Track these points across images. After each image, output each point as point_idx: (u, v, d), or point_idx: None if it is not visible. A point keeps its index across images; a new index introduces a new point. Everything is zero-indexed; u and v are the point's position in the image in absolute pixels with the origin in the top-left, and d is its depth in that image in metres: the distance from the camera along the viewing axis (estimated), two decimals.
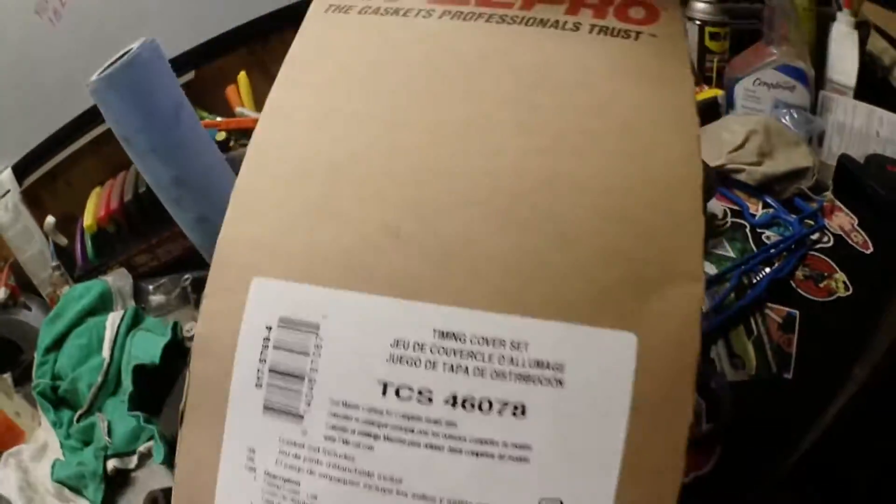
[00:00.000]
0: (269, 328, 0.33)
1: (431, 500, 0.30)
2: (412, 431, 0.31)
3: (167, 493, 0.55)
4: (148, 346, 0.77)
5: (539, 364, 0.31)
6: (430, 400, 0.31)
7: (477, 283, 0.32)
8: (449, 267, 0.33)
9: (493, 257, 0.32)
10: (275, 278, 0.34)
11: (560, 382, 0.30)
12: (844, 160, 0.85)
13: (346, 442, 0.31)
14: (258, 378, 0.33)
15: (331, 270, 0.34)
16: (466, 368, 0.31)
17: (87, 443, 0.77)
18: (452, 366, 0.31)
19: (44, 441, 0.80)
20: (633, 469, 0.30)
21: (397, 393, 0.31)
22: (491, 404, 0.30)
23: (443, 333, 0.31)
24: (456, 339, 0.31)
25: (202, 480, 0.34)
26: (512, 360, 0.31)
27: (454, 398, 0.31)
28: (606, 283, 0.32)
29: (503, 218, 0.33)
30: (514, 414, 0.30)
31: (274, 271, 0.34)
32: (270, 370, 0.33)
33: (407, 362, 0.31)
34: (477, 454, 0.30)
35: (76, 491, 0.72)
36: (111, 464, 0.71)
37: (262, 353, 0.33)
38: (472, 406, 0.30)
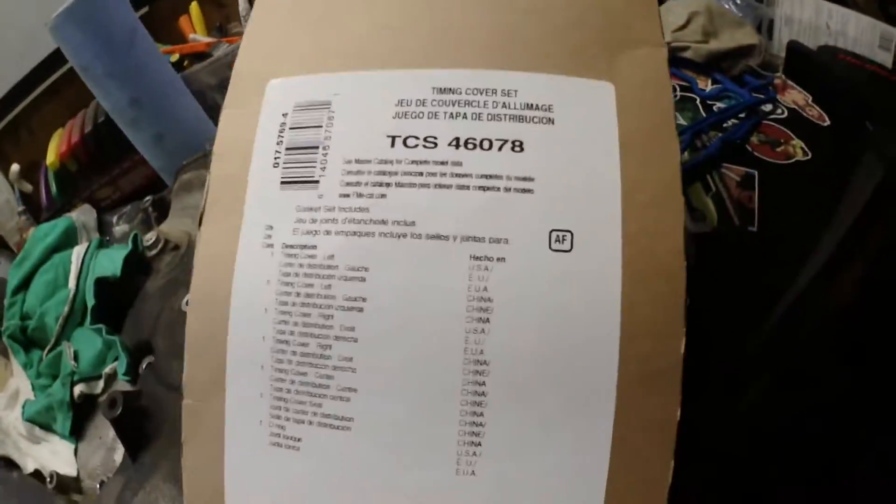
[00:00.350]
0: (286, 114, 0.36)
1: (445, 239, 0.33)
2: (421, 175, 0.33)
3: (126, 394, 0.56)
4: (109, 260, 0.76)
5: (529, 106, 0.34)
6: (436, 144, 0.34)
7: (467, 50, 0.36)
8: (441, 42, 0.36)
9: (478, 31, 0.36)
10: (288, 76, 0.37)
11: (551, 121, 0.34)
12: (794, 45, 0.88)
13: (359, 195, 0.34)
14: (275, 159, 0.36)
15: (338, 60, 0.37)
16: (465, 115, 0.34)
17: (55, 377, 0.75)
18: (452, 114, 0.34)
19: (15, 388, 0.79)
20: (634, 202, 0.33)
21: (405, 143, 0.34)
22: (491, 143, 0.34)
23: (441, 89, 0.35)
24: (453, 93, 0.34)
25: (221, 269, 0.36)
26: (504, 104, 0.34)
27: (457, 140, 0.34)
28: (579, 43, 0.36)
29: (482, 2, 0.37)
30: (514, 149, 0.33)
31: (287, 71, 0.37)
32: (287, 149, 0.36)
33: (411, 116, 0.34)
34: (484, 188, 0.33)
35: (47, 428, 0.72)
36: (77, 389, 0.70)
37: (279, 136, 0.36)
38: (475, 146, 0.34)
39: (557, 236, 0.32)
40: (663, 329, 0.32)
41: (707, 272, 0.64)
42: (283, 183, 0.35)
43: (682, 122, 0.78)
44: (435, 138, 0.34)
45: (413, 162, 0.34)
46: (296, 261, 0.35)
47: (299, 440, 0.35)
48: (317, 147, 0.35)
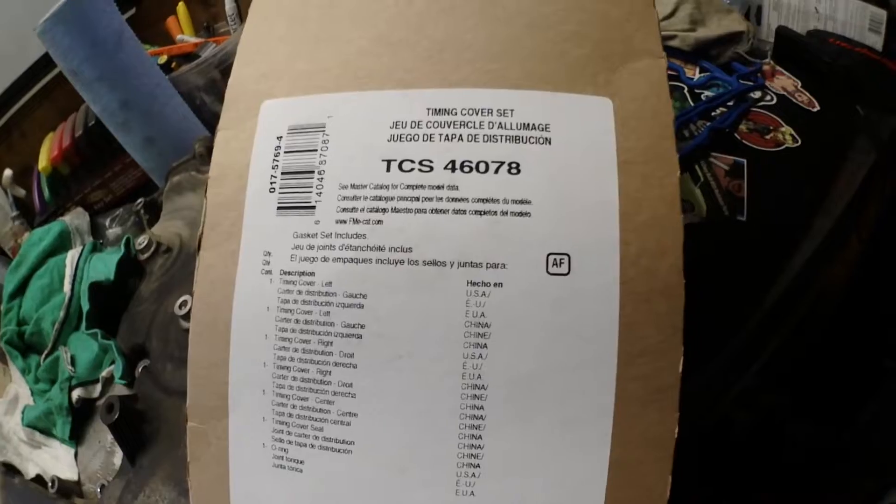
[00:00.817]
0: (280, 137, 0.36)
1: (442, 265, 0.33)
2: (417, 199, 0.33)
3: (123, 398, 0.56)
4: (103, 264, 0.76)
5: (526, 126, 0.34)
6: (431, 168, 0.33)
7: (462, 68, 0.35)
8: (437, 59, 0.36)
9: (474, 47, 0.36)
10: (282, 97, 0.37)
11: (548, 141, 0.33)
12: (783, 30, 0.88)
13: (356, 221, 0.34)
14: (271, 184, 0.36)
15: (333, 80, 0.36)
16: (460, 136, 0.34)
17: (53, 381, 0.75)
18: (448, 136, 0.34)
19: (15, 393, 0.80)
20: (634, 223, 0.33)
21: (400, 167, 0.34)
22: (487, 165, 0.33)
23: (436, 110, 0.34)
24: (448, 114, 0.34)
25: (220, 295, 0.36)
26: (500, 124, 0.34)
27: (453, 163, 0.33)
28: (578, 57, 0.35)
29: (479, 16, 0.36)
30: (510, 171, 0.33)
31: (281, 92, 0.37)
32: (283, 173, 0.35)
33: (406, 139, 0.34)
34: (480, 213, 0.33)
35: (47, 433, 0.72)
36: (76, 394, 0.70)
37: (273, 160, 0.36)
38: (471, 168, 0.33)
39: (555, 260, 0.32)
40: (662, 347, 0.32)
41: (696, 264, 0.64)
42: (279, 208, 0.35)
43: None
44: (430, 161, 0.33)
45: (409, 186, 0.33)
46: (294, 287, 0.35)
47: (302, 462, 0.35)
48: (312, 172, 0.35)
